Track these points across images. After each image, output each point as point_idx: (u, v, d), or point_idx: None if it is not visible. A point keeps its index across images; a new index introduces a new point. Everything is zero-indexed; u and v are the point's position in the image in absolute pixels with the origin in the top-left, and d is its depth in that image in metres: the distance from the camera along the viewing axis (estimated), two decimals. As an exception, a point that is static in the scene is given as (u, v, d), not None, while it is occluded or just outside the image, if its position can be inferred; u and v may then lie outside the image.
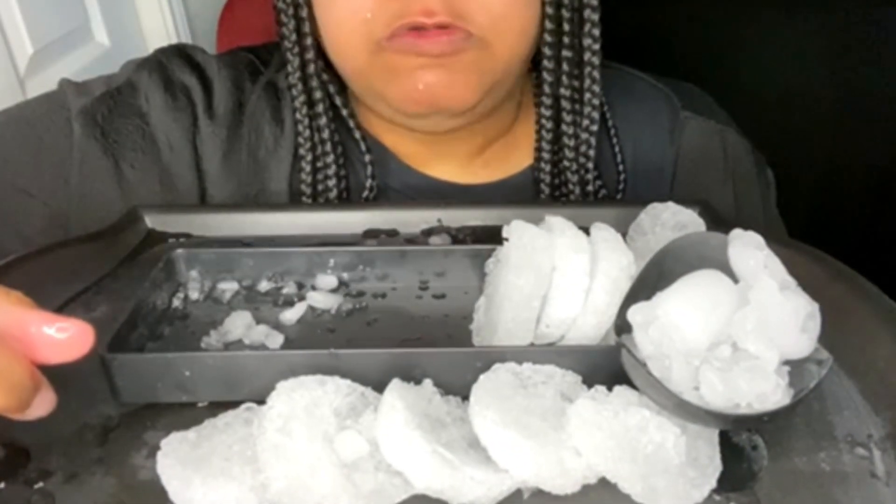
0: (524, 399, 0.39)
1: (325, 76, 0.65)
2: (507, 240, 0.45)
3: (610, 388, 0.40)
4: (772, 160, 0.77)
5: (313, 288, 0.52)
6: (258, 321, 0.48)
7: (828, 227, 1.15)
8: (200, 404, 0.42)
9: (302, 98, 0.65)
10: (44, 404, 0.34)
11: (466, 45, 0.56)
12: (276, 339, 0.47)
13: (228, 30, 1.26)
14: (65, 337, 0.33)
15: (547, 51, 0.63)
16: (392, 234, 0.59)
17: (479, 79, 0.58)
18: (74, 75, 0.68)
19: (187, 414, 0.41)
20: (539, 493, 0.36)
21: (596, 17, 0.63)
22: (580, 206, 0.64)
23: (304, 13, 0.62)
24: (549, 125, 0.66)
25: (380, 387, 0.39)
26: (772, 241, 0.41)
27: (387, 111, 0.63)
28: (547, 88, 0.65)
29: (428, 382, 0.40)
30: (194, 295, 0.51)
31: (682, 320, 0.38)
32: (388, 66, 0.57)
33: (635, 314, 0.39)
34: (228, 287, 0.52)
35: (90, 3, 1.07)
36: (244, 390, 0.41)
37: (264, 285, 0.52)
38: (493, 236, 0.49)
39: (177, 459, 0.36)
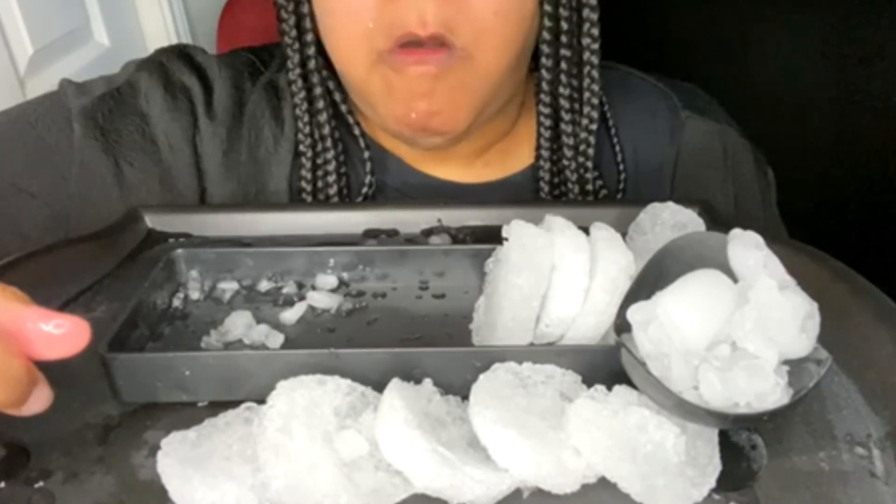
0: (524, 398, 0.39)
1: (324, 73, 0.65)
2: (506, 239, 0.45)
3: (609, 388, 0.40)
4: (772, 160, 0.77)
5: (313, 288, 0.52)
6: (258, 321, 0.48)
7: (828, 227, 1.15)
8: (200, 404, 0.42)
9: (302, 94, 0.65)
10: (40, 400, 0.35)
11: (451, 60, 0.56)
12: (276, 339, 0.47)
13: (228, 30, 1.26)
14: (61, 333, 0.33)
15: (546, 49, 0.63)
16: (392, 234, 0.59)
17: (470, 101, 0.58)
18: (74, 75, 0.68)
19: (187, 413, 0.41)
20: (538, 493, 0.36)
21: (595, 16, 0.63)
22: (580, 205, 0.64)
23: (304, 9, 0.62)
24: (548, 123, 0.66)
25: (380, 386, 0.39)
26: (771, 240, 0.41)
27: (382, 124, 0.64)
28: (546, 87, 0.65)
29: (428, 382, 0.40)
30: (194, 295, 0.51)
31: (681, 319, 0.38)
32: (386, 82, 0.57)
33: (635, 313, 0.40)
34: (228, 287, 0.52)
35: (90, 3, 1.07)
36: (244, 390, 0.41)
37: (264, 285, 0.52)
38: (493, 236, 0.49)
39: (177, 458, 0.36)
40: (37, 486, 0.37)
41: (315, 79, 0.64)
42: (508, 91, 0.63)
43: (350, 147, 0.68)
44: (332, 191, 0.66)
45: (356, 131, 0.67)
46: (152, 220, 0.59)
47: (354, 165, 0.67)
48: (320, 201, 0.66)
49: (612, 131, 0.71)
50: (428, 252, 0.53)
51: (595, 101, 0.65)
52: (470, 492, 0.35)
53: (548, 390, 0.40)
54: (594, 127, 0.66)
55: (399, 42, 0.55)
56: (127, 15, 1.19)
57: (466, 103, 0.58)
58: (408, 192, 0.68)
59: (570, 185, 0.68)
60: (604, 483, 0.36)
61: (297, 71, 0.64)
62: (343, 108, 0.67)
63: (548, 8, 0.61)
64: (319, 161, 0.66)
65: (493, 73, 0.58)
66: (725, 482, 0.37)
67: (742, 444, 0.39)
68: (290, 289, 0.52)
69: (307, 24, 0.63)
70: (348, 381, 0.40)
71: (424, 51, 0.55)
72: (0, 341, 0.32)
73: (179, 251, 0.52)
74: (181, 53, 0.69)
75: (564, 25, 0.62)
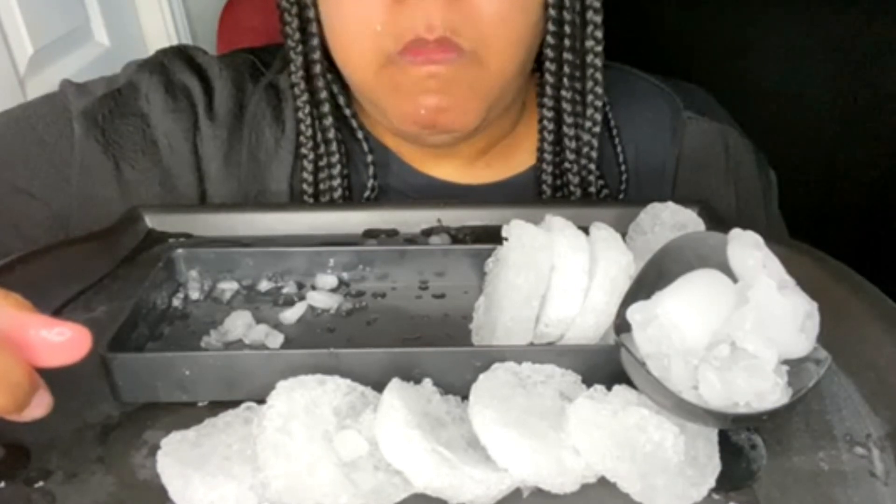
0: (523, 398, 0.39)
1: (329, 76, 0.65)
2: (506, 239, 0.46)
3: (609, 388, 0.40)
4: (774, 161, 0.77)
5: (313, 287, 0.52)
6: (258, 321, 0.48)
7: (828, 227, 1.15)
8: (200, 404, 0.42)
9: (305, 97, 0.65)
10: (41, 406, 0.35)
11: (461, 61, 0.56)
12: (276, 339, 0.47)
13: (228, 30, 1.26)
14: (63, 340, 0.34)
15: (549, 52, 0.63)
16: (392, 234, 0.59)
17: (479, 101, 0.58)
18: (74, 75, 0.68)
19: (187, 413, 0.41)
20: (538, 493, 0.36)
21: (598, 18, 0.63)
22: (580, 206, 0.63)
23: (310, 14, 0.62)
24: (550, 126, 0.66)
25: (379, 386, 0.39)
26: (772, 241, 0.41)
27: (389, 124, 0.64)
28: (549, 90, 0.65)
29: (427, 382, 0.40)
30: (194, 295, 0.51)
31: (681, 319, 0.38)
32: (393, 82, 0.57)
33: (634, 313, 0.40)
34: (228, 287, 0.52)
35: (90, 3, 1.07)
36: (244, 390, 0.41)
37: (264, 285, 0.52)
38: (492, 236, 0.49)
39: (177, 458, 0.36)
40: (37, 485, 0.37)
41: (320, 83, 0.64)
42: (514, 92, 0.63)
43: (352, 149, 0.67)
44: (337, 194, 0.66)
45: (359, 134, 0.67)
46: (152, 220, 0.59)
47: (357, 167, 0.67)
48: (320, 201, 0.66)
49: (614, 132, 0.71)
50: (428, 252, 0.53)
51: (598, 103, 0.65)
52: (469, 491, 0.35)
53: (547, 390, 0.40)
54: (597, 129, 0.66)
55: (409, 45, 0.55)
56: (127, 15, 1.19)
57: (475, 103, 0.58)
58: (410, 194, 0.68)
59: (572, 188, 0.68)
60: (604, 483, 0.36)
61: (300, 73, 0.64)
62: (347, 111, 0.67)
63: (552, 12, 0.61)
64: (322, 163, 0.66)
65: (502, 75, 0.59)
66: (725, 482, 0.37)
67: (742, 444, 0.39)
68: (289, 289, 0.52)
69: (313, 28, 0.62)
70: (348, 381, 0.40)
71: (431, 50, 0.55)
72: (2, 348, 0.32)
73: (179, 251, 0.52)
74: (182, 54, 0.69)
75: (568, 29, 0.62)
